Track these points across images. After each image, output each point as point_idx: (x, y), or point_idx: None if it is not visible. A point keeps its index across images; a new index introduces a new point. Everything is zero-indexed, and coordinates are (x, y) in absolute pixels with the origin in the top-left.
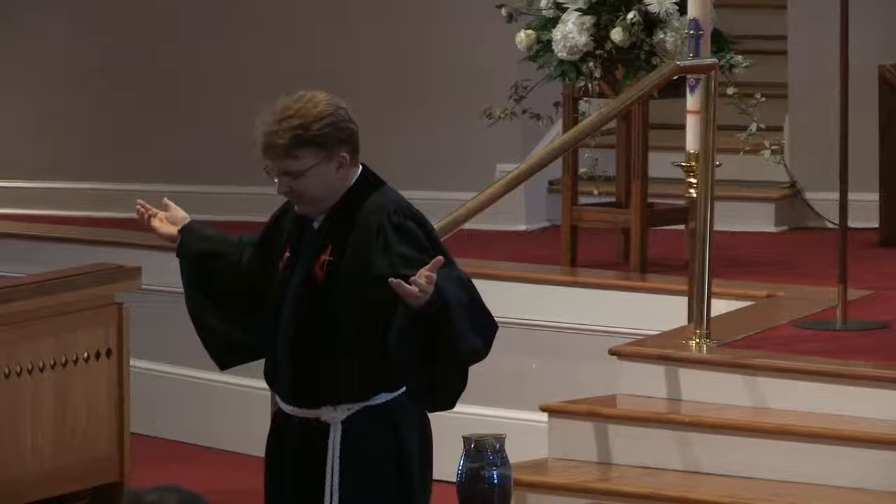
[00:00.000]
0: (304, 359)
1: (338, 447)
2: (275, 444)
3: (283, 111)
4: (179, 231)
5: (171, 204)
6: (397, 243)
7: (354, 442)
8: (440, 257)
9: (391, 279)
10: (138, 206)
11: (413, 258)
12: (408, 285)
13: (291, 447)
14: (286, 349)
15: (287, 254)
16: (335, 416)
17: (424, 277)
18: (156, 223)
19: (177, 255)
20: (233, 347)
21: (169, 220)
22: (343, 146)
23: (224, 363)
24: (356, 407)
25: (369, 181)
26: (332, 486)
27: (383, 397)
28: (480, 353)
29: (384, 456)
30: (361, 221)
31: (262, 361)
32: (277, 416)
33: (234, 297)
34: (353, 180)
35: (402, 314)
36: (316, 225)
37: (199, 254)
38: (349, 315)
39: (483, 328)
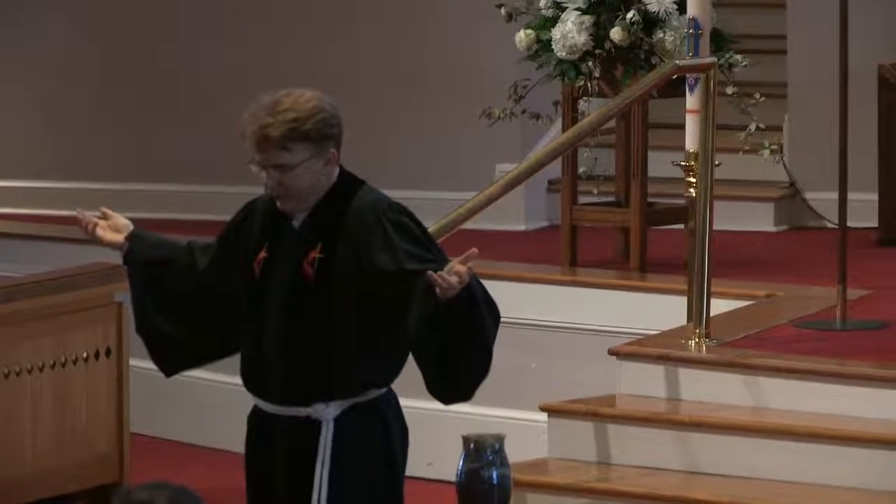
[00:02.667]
0: (297, 357)
1: (329, 444)
2: (258, 445)
3: (276, 105)
4: (126, 238)
5: (110, 211)
6: (399, 239)
7: (345, 438)
8: (475, 249)
9: (430, 272)
10: (78, 215)
11: (416, 253)
12: (447, 277)
13: (279, 447)
14: (276, 349)
15: (263, 254)
16: (327, 412)
17: (465, 268)
18: (99, 232)
19: (124, 263)
20: (182, 353)
21: (111, 227)
22: (332, 142)
23: (170, 369)
24: (347, 403)
25: (350, 179)
26: (321, 482)
27: (373, 393)
28: (493, 344)
29: (374, 451)
30: (353, 218)
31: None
32: (258, 418)
33: (183, 302)
34: (335, 178)
35: (425, 305)
36: (296, 223)
37: (148, 261)
38: (344, 311)
39: (495, 320)
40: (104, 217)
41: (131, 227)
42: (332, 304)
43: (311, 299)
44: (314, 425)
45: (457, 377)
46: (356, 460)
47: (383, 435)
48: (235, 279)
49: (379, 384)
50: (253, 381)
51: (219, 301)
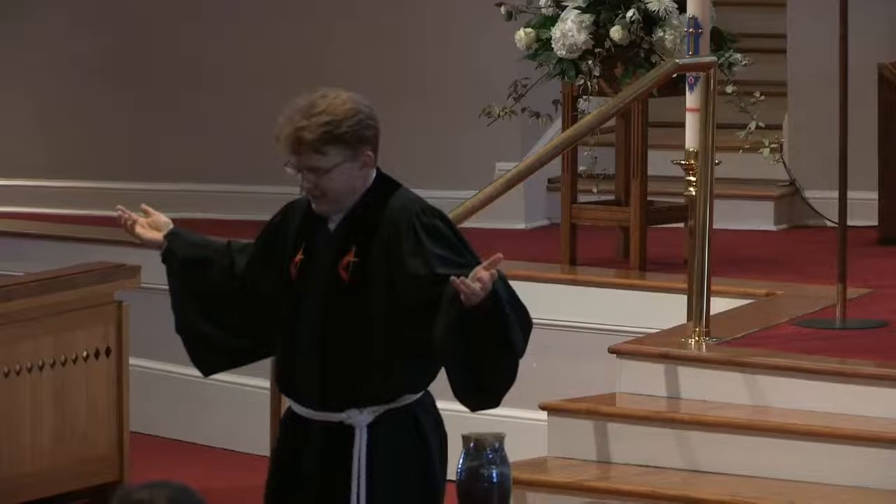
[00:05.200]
0: (333, 361)
1: (364, 451)
2: (290, 448)
3: (311, 107)
4: (165, 236)
5: (151, 209)
6: (431, 244)
7: (380, 445)
8: (499, 254)
9: (453, 278)
10: (119, 212)
11: (447, 258)
12: (470, 282)
13: (312, 452)
14: (310, 352)
15: (300, 256)
16: (361, 419)
17: (488, 274)
18: (139, 229)
19: (163, 262)
20: (219, 352)
21: (151, 225)
22: (368, 145)
23: (209, 369)
24: (381, 409)
25: (386, 182)
26: (358, 489)
27: (407, 398)
28: (523, 349)
29: (409, 457)
30: (387, 222)
31: (260, 361)
32: (292, 421)
33: (220, 302)
34: (371, 181)
35: (451, 311)
36: (332, 226)
37: (186, 259)
38: (379, 316)
39: (525, 324)
40: (145, 214)
41: (171, 225)
42: (367, 309)
43: (347, 303)
44: (348, 431)
45: (483, 384)
46: (391, 466)
47: (417, 440)
48: (272, 281)
49: (413, 389)
50: (287, 384)
51: (256, 302)
